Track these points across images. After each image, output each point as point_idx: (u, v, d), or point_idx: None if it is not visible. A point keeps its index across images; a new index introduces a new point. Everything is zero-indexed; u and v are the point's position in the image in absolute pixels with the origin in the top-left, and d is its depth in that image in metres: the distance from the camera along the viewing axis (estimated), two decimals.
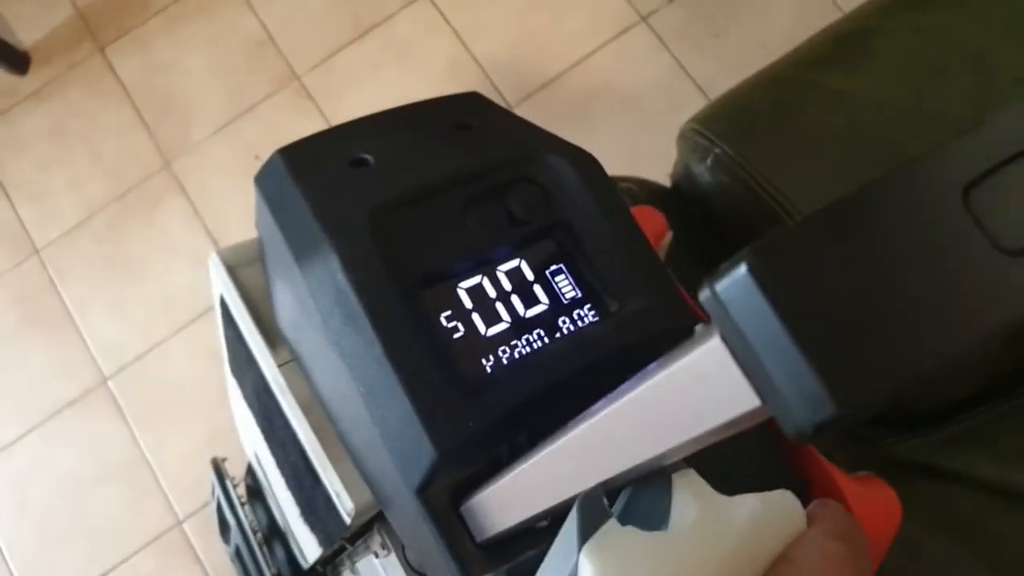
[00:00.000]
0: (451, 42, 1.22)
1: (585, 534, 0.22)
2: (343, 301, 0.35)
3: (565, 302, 0.40)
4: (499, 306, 0.39)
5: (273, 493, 0.63)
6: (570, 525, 0.23)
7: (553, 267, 0.41)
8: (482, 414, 0.34)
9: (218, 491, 0.64)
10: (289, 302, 0.39)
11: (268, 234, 0.41)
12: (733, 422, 0.17)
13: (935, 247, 0.17)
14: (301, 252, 0.37)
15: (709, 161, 0.59)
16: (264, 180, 0.42)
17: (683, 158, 0.63)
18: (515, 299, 0.39)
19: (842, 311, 0.16)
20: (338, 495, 0.39)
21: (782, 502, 0.24)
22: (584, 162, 0.42)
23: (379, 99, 1.21)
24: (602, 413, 0.23)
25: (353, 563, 0.54)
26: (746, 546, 0.23)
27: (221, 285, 0.45)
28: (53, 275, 1.24)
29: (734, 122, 0.62)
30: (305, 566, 0.62)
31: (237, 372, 0.51)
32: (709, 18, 1.23)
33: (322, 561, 0.59)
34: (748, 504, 0.23)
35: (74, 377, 1.20)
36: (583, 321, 0.40)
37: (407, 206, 0.39)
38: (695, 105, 0.68)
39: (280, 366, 0.42)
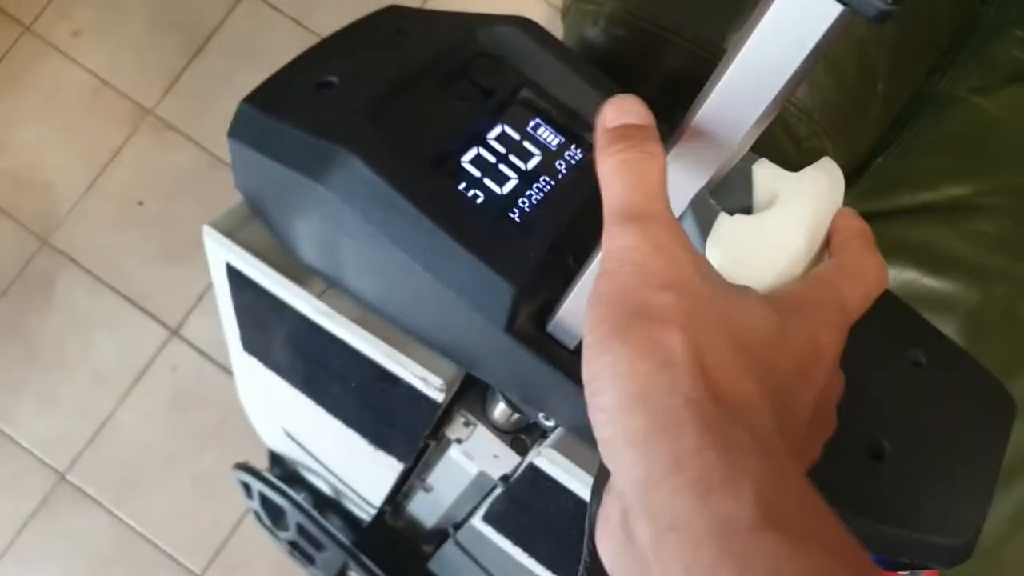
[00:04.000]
0: (291, 28, 1.21)
1: (704, 230, 0.27)
2: (379, 193, 0.37)
3: (553, 149, 0.44)
4: (502, 167, 0.42)
5: (317, 460, 0.64)
6: (687, 227, 0.27)
7: (531, 122, 0.44)
8: (538, 245, 0.38)
9: (257, 486, 0.65)
10: (317, 227, 0.41)
11: (265, 178, 0.43)
12: (825, 38, 0.22)
13: None
14: (317, 171, 0.39)
15: (603, 22, 0.63)
16: (241, 132, 0.43)
17: (573, 30, 0.67)
18: (513, 158, 0.43)
19: None
20: (425, 379, 0.41)
21: (831, 169, 0.29)
22: (522, 24, 0.46)
23: None
24: (713, 90, 0.25)
25: (424, 480, 0.57)
26: (818, 210, 0.28)
27: (226, 253, 0.46)
28: None
29: None
30: (371, 513, 0.64)
31: (256, 344, 0.52)
32: None
33: (388, 499, 0.61)
34: (810, 174, 0.28)
35: (26, 487, 1.14)
36: (574, 160, 0.44)
37: (390, 105, 0.41)
38: None
39: (318, 297, 0.44)
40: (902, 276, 0.55)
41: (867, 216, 0.64)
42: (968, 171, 0.56)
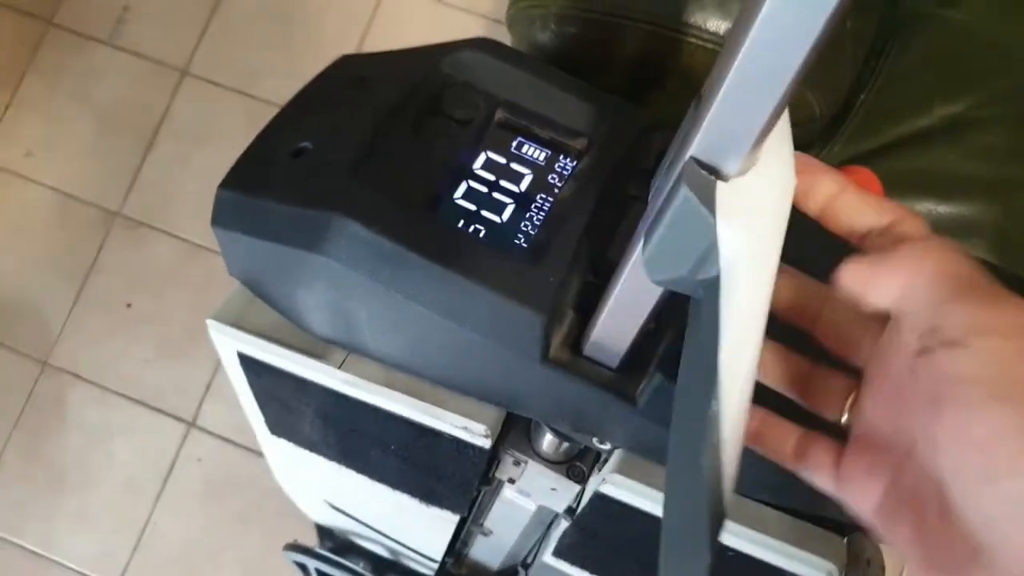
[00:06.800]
0: (236, 99, 1.20)
1: (708, 206, 0.24)
2: (381, 252, 0.36)
3: (542, 164, 0.42)
4: (496, 195, 0.41)
5: (367, 526, 0.62)
6: (685, 203, 0.24)
7: (514, 142, 0.43)
8: (554, 266, 0.36)
9: (313, 564, 0.63)
10: (324, 298, 0.40)
11: (260, 259, 0.41)
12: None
13: None
14: (313, 242, 0.37)
15: (552, 24, 0.62)
16: (224, 219, 0.41)
17: (523, 37, 0.66)
18: (504, 183, 0.41)
19: None
20: (467, 428, 0.40)
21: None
22: (481, 45, 0.44)
23: (207, 187, 1.18)
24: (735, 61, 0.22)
25: (481, 525, 0.55)
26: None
27: (236, 343, 0.44)
28: (1, 532, 1.14)
29: None
30: (433, 567, 0.62)
31: (284, 425, 0.51)
32: None
33: (448, 550, 0.59)
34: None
35: None
36: (566, 171, 0.42)
37: (370, 158, 0.40)
38: None
39: (339, 367, 0.42)
40: (916, 209, 0.54)
41: (862, 156, 0.63)
42: (956, 87, 0.55)
